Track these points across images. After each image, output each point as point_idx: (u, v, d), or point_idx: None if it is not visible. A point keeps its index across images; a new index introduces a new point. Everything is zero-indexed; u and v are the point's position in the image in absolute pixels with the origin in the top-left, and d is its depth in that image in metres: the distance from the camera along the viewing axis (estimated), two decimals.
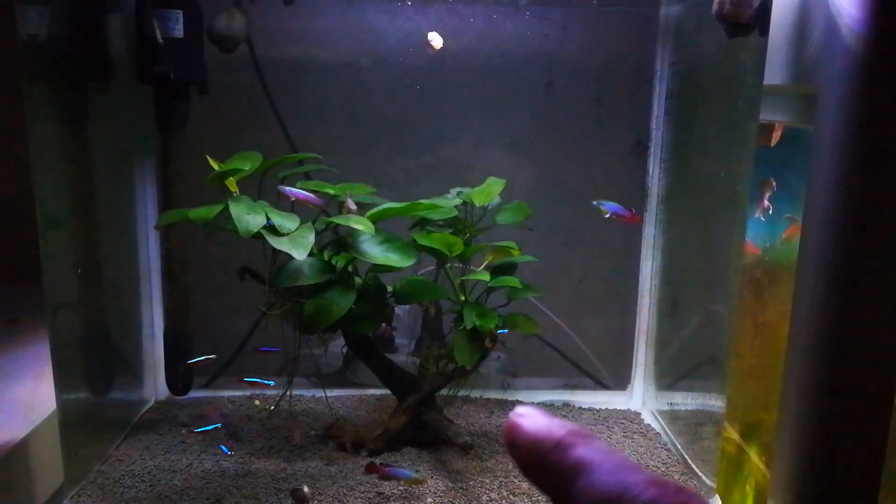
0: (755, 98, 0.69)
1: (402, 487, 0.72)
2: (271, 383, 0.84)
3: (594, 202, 0.81)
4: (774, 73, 0.71)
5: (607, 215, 0.81)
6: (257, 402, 0.94)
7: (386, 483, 0.73)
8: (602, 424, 0.90)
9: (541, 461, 0.22)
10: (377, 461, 0.75)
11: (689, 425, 0.84)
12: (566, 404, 0.96)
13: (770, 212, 0.80)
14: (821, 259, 0.64)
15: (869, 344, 0.63)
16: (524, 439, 0.22)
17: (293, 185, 0.75)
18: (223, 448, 0.78)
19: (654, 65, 0.92)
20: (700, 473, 0.78)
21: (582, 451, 0.21)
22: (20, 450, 0.70)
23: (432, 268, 0.85)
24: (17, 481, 0.70)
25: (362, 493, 0.72)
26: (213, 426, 0.80)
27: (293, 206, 0.74)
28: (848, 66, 0.62)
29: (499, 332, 0.77)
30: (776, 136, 0.77)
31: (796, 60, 0.70)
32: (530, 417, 0.23)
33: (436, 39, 0.87)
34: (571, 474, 0.21)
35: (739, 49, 0.72)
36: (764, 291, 0.80)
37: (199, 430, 0.80)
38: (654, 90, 0.92)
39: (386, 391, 0.85)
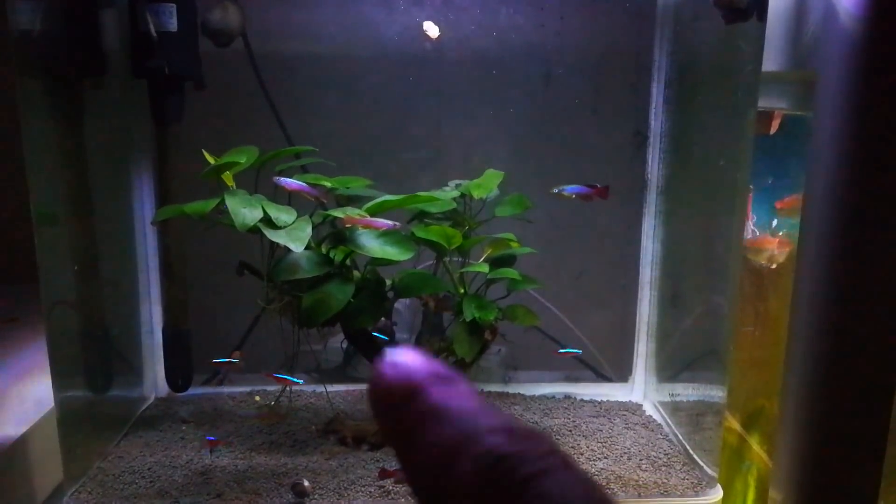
0: (754, 85, 0.68)
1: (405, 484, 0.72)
2: (300, 382, 0.84)
3: (554, 190, 0.80)
4: (772, 59, 0.71)
5: (573, 197, 0.79)
6: (258, 398, 0.93)
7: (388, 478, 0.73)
8: (603, 416, 0.90)
9: (390, 410, 0.19)
10: (389, 467, 0.74)
11: (691, 416, 0.84)
12: (567, 396, 0.96)
13: (755, 221, 0.80)
14: (821, 247, 0.64)
15: (869, 332, 0.63)
16: (380, 388, 0.19)
17: (290, 178, 0.74)
18: (209, 437, 0.78)
19: (652, 54, 0.91)
20: (702, 463, 0.78)
21: (435, 398, 0.19)
22: (19, 447, 0.70)
23: (432, 262, 0.85)
24: (17, 479, 0.70)
25: (363, 487, 0.72)
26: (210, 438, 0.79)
27: (290, 199, 0.73)
28: (846, 51, 0.62)
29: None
30: (775, 125, 0.77)
31: (794, 46, 0.69)
32: (394, 365, 0.20)
33: (431, 29, 0.86)
34: (418, 423, 0.19)
35: (737, 36, 0.71)
36: (764, 280, 0.80)
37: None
38: (653, 79, 0.92)
39: None
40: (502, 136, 0.96)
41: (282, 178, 0.72)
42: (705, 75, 0.84)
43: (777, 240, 0.78)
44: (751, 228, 0.82)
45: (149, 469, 0.76)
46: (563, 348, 0.90)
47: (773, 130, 0.76)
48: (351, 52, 0.92)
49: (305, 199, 0.73)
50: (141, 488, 0.72)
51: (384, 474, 0.71)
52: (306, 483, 0.70)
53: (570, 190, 0.79)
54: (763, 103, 0.71)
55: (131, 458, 0.78)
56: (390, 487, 0.72)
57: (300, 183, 0.73)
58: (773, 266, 0.77)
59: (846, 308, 0.62)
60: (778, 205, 0.79)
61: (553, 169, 0.97)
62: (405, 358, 0.20)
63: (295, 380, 0.83)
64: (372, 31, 0.90)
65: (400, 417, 0.19)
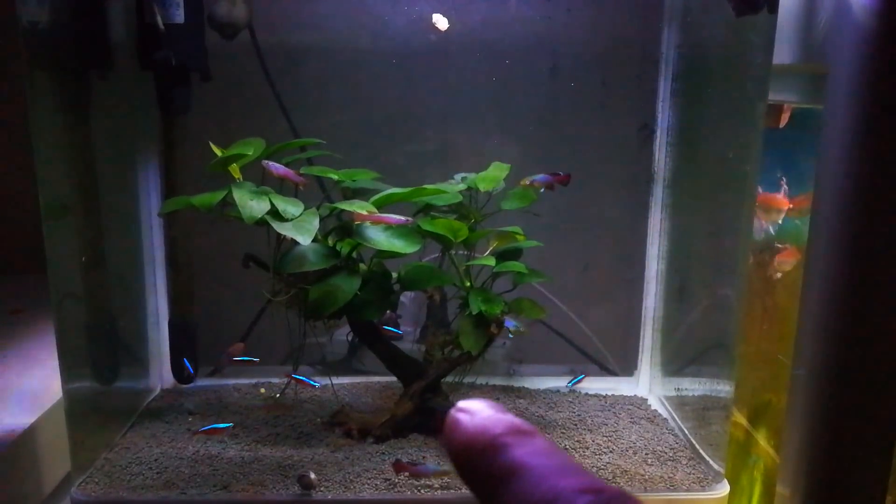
0: (764, 78, 0.68)
1: (408, 475, 0.72)
2: (317, 385, 0.85)
3: (526, 181, 0.79)
4: (783, 52, 0.70)
5: (542, 189, 0.79)
6: (262, 391, 0.94)
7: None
8: (609, 411, 0.90)
9: (473, 462, 0.20)
10: (404, 459, 0.74)
11: (697, 410, 0.84)
12: (572, 390, 0.96)
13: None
14: (831, 240, 0.63)
15: (879, 326, 0.62)
16: (459, 438, 0.20)
17: (296, 170, 0.74)
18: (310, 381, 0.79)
19: (660, 46, 0.91)
20: (708, 458, 0.78)
21: (518, 453, 0.19)
22: (27, 438, 0.70)
23: (437, 255, 0.85)
24: (25, 469, 0.70)
25: (369, 479, 0.72)
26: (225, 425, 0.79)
27: (281, 185, 0.73)
28: (859, 45, 0.61)
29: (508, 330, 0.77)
30: (784, 118, 0.76)
31: (806, 39, 0.69)
32: (470, 413, 0.20)
33: (441, 21, 0.86)
34: (503, 478, 0.19)
35: (747, 28, 0.70)
36: (772, 275, 0.80)
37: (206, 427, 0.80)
38: (660, 72, 0.91)
39: (391, 378, 0.85)
40: (509, 129, 0.95)
41: (270, 163, 0.72)
42: (714, 68, 0.83)
43: (786, 199, 0.77)
44: (762, 227, 0.81)
45: (155, 460, 0.76)
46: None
47: (782, 124, 0.76)
48: (357, 45, 0.91)
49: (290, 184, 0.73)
50: (148, 479, 0.72)
51: (400, 468, 0.71)
52: (312, 475, 0.70)
53: (539, 179, 0.79)
54: (772, 96, 0.71)
55: (138, 449, 0.78)
56: (396, 480, 0.72)
57: (286, 168, 0.72)
58: (779, 275, 0.76)
59: (856, 302, 0.62)
60: (760, 196, 0.78)
61: (559, 161, 0.96)
62: (481, 408, 0.20)
63: (313, 382, 0.83)
64: (378, 23, 0.90)
65: (482, 470, 0.19)
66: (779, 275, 0.77)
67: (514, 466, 0.19)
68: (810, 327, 0.66)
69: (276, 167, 0.72)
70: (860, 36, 0.61)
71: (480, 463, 0.19)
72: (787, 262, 0.77)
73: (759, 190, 0.77)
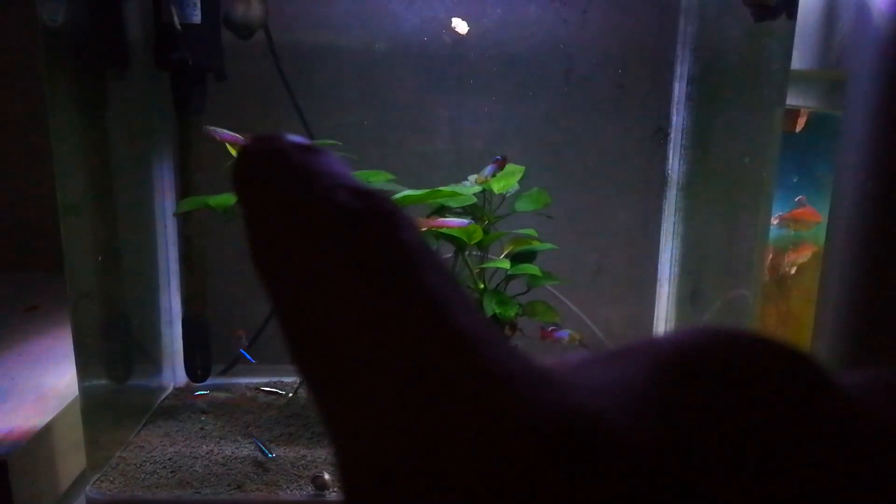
0: (782, 83, 0.68)
1: None
2: None
3: (480, 178, 0.80)
4: (801, 57, 0.70)
5: (492, 176, 0.79)
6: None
7: None
8: None
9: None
10: None
11: None
12: None
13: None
14: (849, 246, 0.63)
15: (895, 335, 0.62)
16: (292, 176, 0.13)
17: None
18: (263, 449, 0.77)
19: (676, 49, 0.91)
20: None
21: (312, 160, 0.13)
22: (44, 436, 0.70)
23: (450, 256, 0.85)
24: (41, 467, 0.71)
25: None
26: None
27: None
28: (878, 50, 0.61)
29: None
30: (801, 122, 0.76)
31: (824, 44, 0.69)
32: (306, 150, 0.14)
33: (460, 25, 0.86)
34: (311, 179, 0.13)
35: (765, 33, 0.70)
36: (787, 279, 0.79)
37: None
38: (675, 75, 0.91)
39: None
40: (523, 131, 0.95)
41: (213, 128, 0.71)
42: (731, 72, 0.83)
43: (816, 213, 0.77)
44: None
45: (169, 459, 0.76)
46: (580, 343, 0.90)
47: (798, 128, 0.75)
48: (372, 45, 0.91)
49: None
50: (162, 478, 0.73)
51: None
52: (327, 476, 0.70)
53: (486, 172, 0.79)
54: (788, 101, 0.71)
55: (152, 447, 0.79)
56: None
57: (233, 134, 0.72)
58: (793, 270, 0.76)
59: (873, 309, 0.61)
60: (786, 215, 0.78)
61: (573, 164, 0.96)
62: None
63: None
64: (393, 24, 0.90)
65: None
66: (793, 270, 0.77)
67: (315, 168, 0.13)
68: (826, 334, 0.66)
69: (220, 133, 0.71)
70: (880, 42, 0.61)
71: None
72: (802, 256, 0.76)
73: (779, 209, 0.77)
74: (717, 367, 0.12)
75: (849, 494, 0.10)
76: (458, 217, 0.81)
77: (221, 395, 0.92)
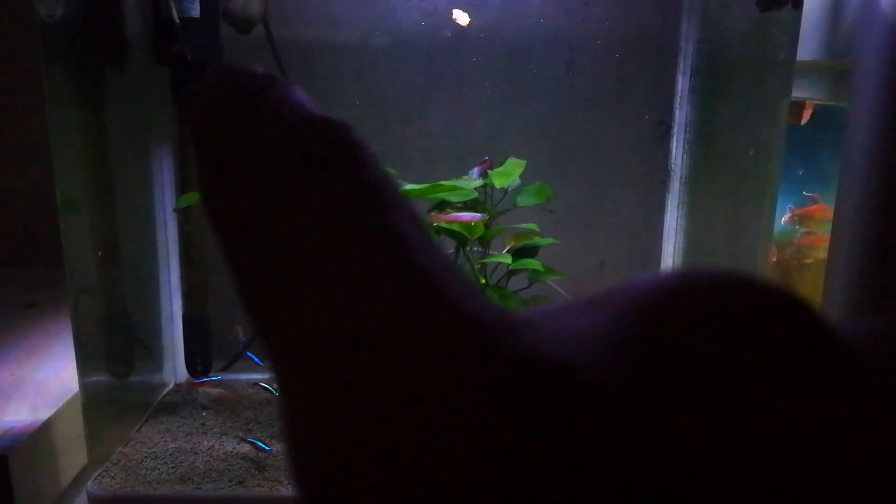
0: (788, 75, 0.67)
1: None
2: None
3: (464, 177, 0.79)
4: (806, 48, 0.69)
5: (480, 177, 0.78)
6: (276, 385, 0.94)
7: None
8: None
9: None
10: None
11: None
12: None
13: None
14: (855, 239, 0.62)
15: None
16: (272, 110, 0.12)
17: None
18: (259, 444, 0.76)
19: (679, 41, 0.90)
20: None
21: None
22: (44, 432, 0.70)
23: (451, 251, 0.84)
24: (42, 463, 0.71)
25: None
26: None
27: None
28: (886, 40, 0.60)
29: None
30: (806, 115, 0.75)
31: (830, 35, 0.68)
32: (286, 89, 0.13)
33: (461, 17, 0.85)
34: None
35: (771, 23, 0.69)
36: (792, 273, 0.79)
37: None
38: (678, 68, 0.90)
39: None
40: (524, 125, 0.94)
41: None
42: (735, 64, 0.82)
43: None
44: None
45: (170, 455, 0.76)
46: None
47: (804, 121, 0.75)
48: (372, 39, 0.91)
49: None
50: (163, 474, 0.73)
51: None
52: None
53: (473, 174, 0.79)
54: (794, 93, 0.70)
55: (153, 443, 0.79)
56: None
57: None
58: (809, 261, 0.75)
59: (880, 305, 0.61)
60: (798, 212, 0.77)
61: (575, 158, 0.96)
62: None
63: None
64: (393, 16, 0.89)
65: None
66: (809, 261, 0.76)
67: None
68: None
69: None
70: (887, 31, 0.60)
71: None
72: (815, 247, 0.75)
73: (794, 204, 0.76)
74: (701, 311, 0.11)
75: (848, 452, 0.09)
76: (459, 210, 0.81)
77: (222, 391, 0.92)
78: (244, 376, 0.95)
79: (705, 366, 0.10)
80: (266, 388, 0.92)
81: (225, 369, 0.96)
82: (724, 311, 0.11)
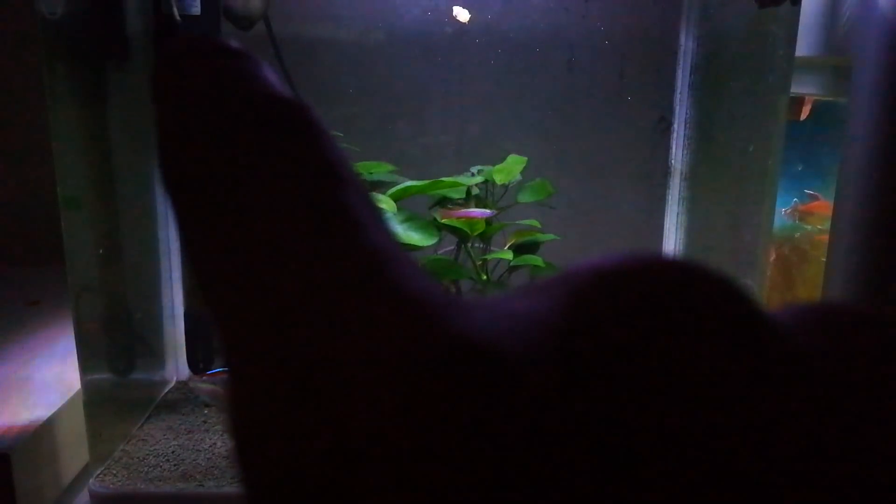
0: (787, 71, 0.67)
1: None
2: None
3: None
4: (805, 44, 0.69)
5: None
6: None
7: None
8: None
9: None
10: None
11: None
12: None
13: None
14: (854, 235, 0.63)
15: None
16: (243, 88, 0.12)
17: None
18: None
19: (679, 37, 0.90)
20: None
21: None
22: (46, 430, 0.70)
23: (453, 247, 0.85)
24: (44, 461, 0.71)
25: None
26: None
27: None
28: (884, 37, 0.60)
29: None
30: (806, 111, 0.76)
31: (829, 31, 0.68)
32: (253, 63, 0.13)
33: (462, 14, 0.85)
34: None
35: (770, 20, 0.70)
36: (792, 269, 0.79)
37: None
38: (678, 64, 0.91)
39: None
40: (525, 122, 0.95)
41: None
42: (734, 60, 0.83)
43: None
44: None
45: (172, 452, 0.76)
46: None
47: (803, 116, 0.75)
48: (372, 36, 0.91)
49: None
50: (165, 471, 0.73)
51: None
52: None
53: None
54: (793, 88, 0.70)
55: (155, 441, 0.79)
56: None
57: None
58: (809, 227, 0.74)
59: (880, 300, 0.61)
60: (799, 207, 0.77)
61: (575, 154, 0.96)
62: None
63: None
64: (394, 13, 0.89)
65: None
66: (809, 227, 0.75)
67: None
68: None
69: None
70: (885, 27, 0.60)
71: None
72: (817, 214, 0.75)
73: (795, 200, 0.76)
74: (634, 295, 0.11)
75: (779, 443, 0.09)
76: (460, 207, 0.81)
77: (217, 387, 0.92)
78: None
79: (626, 349, 0.10)
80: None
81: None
82: (656, 296, 0.11)
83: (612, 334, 0.10)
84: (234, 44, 0.13)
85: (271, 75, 0.13)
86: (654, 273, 0.11)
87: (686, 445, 0.09)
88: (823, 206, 0.75)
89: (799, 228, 0.77)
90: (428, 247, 0.76)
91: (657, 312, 0.10)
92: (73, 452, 0.74)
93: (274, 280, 0.10)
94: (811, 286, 0.73)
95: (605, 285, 0.11)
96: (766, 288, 0.77)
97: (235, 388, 0.11)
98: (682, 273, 0.11)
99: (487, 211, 0.73)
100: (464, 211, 0.72)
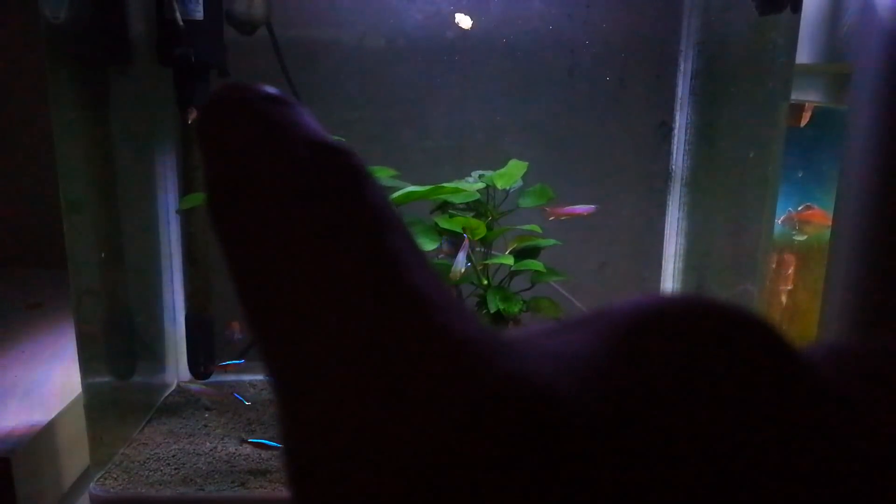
0: (787, 77, 0.67)
1: None
2: None
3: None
4: (805, 51, 0.69)
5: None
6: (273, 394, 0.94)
7: None
8: None
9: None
10: None
11: None
12: None
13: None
14: (855, 241, 0.63)
15: None
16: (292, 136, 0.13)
17: None
18: (265, 442, 0.76)
19: (679, 44, 0.90)
20: None
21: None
22: (47, 433, 0.70)
23: (453, 247, 0.85)
24: (44, 464, 0.71)
25: None
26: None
27: None
28: (884, 44, 0.61)
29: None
30: (805, 117, 0.76)
31: (829, 38, 0.68)
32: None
33: (464, 20, 0.86)
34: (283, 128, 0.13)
35: (770, 27, 0.70)
36: (792, 273, 0.79)
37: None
38: (679, 70, 0.91)
39: None
40: (526, 127, 0.95)
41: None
42: (735, 66, 0.83)
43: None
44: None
45: (173, 456, 0.76)
46: None
47: (803, 123, 0.75)
48: (374, 41, 0.91)
49: None
50: (166, 475, 0.73)
51: None
52: None
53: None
54: (793, 95, 0.70)
55: (156, 444, 0.79)
56: None
57: None
58: (804, 237, 0.74)
59: (880, 307, 0.61)
60: (795, 215, 0.77)
61: (576, 160, 0.96)
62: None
63: None
64: (395, 19, 0.90)
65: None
66: (804, 237, 0.76)
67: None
68: (832, 329, 0.65)
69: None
70: (886, 35, 0.60)
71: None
72: (813, 223, 0.75)
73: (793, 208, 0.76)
74: (680, 341, 0.11)
75: (811, 478, 0.10)
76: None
77: (225, 391, 0.92)
78: (247, 377, 0.96)
79: (674, 396, 0.10)
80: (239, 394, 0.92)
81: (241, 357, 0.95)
82: (701, 343, 0.11)
83: (660, 381, 0.10)
84: (276, 90, 0.14)
85: (312, 121, 0.13)
86: (696, 317, 0.11)
87: (724, 484, 0.09)
88: (818, 214, 0.76)
89: (795, 236, 0.78)
90: (430, 251, 0.76)
91: (704, 360, 0.11)
92: (74, 456, 0.74)
93: (328, 329, 0.11)
94: (812, 291, 0.73)
95: (649, 329, 0.11)
96: (766, 292, 0.77)
97: (289, 415, 0.11)
98: (723, 317, 0.11)
99: (590, 206, 0.72)
100: (569, 209, 0.71)
